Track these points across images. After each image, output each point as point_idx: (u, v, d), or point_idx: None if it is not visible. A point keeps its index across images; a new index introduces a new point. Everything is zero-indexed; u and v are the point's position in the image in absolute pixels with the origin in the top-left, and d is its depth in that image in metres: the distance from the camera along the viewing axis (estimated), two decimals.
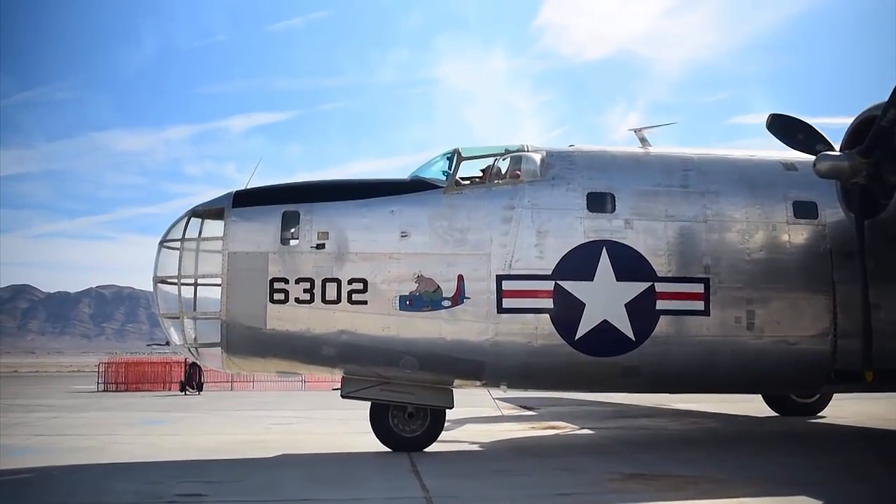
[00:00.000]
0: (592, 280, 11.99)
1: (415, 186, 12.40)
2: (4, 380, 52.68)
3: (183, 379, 33.30)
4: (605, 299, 11.98)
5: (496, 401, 17.48)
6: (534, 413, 20.72)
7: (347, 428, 15.77)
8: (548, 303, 11.90)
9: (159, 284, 12.41)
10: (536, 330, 11.88)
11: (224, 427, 17.42)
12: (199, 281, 12.21)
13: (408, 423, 12.35)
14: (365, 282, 11.78)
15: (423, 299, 11.74)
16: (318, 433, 15.67)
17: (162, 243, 12.44)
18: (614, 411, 21.07)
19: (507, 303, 11.83)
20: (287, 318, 11.79)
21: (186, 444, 13.89)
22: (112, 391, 35.68)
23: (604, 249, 12.08)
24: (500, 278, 11.84)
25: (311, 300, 11.76)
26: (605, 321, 11.95)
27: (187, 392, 32.57)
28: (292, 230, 12.03)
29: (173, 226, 12.48)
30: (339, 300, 11.75)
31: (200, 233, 12.37)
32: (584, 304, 11.90)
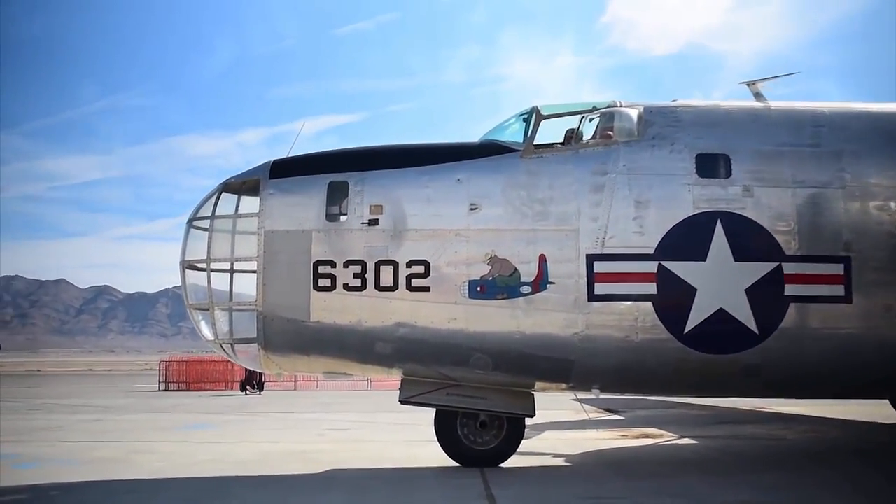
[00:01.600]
0: (705, 260, 9.76)
1: (485, 150, 10.34)
2: (70, 378, 52.50)
3: (243, 378, 31.80)
4: (720, 284, 9.74)
5: (575, 402, 15.35)
6: (620, 417, 18.49)
7: (410, 435, 13.82)
8: (650, 288, 9.72)
9: (188, 270, 10.60)
10: (636, 321, 9.72)
11: (274, 433, 15.65)
12: (232, 266, 10.39)
13: (480, 434, 10.35)
14: (426, 264, 9.78)
15: (498, 285, 9.68)
16: (375, 441, 13.72)
17: (190, 222, 10.64)
18: (711, 416, 18.71)
19: (599, 288, 9.69)
20: (334, 309, 9.87)
21: (224, 454, 12.10)
22: (173, 390, 34.66)
23: (718, 223, 9.83)
24: (590, 259, 9.71)
25: (363, 287, 9.81)
26: (721, 310, 9.71)
27: (247, 392, 31.10)
28: (340, 204, 10.11)
29: (203, 202, 10.66)
30: (395, 286, 9.78)
31: (237, 210, 10.55)
32: (696, 290, 9.69)
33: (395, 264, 9.81)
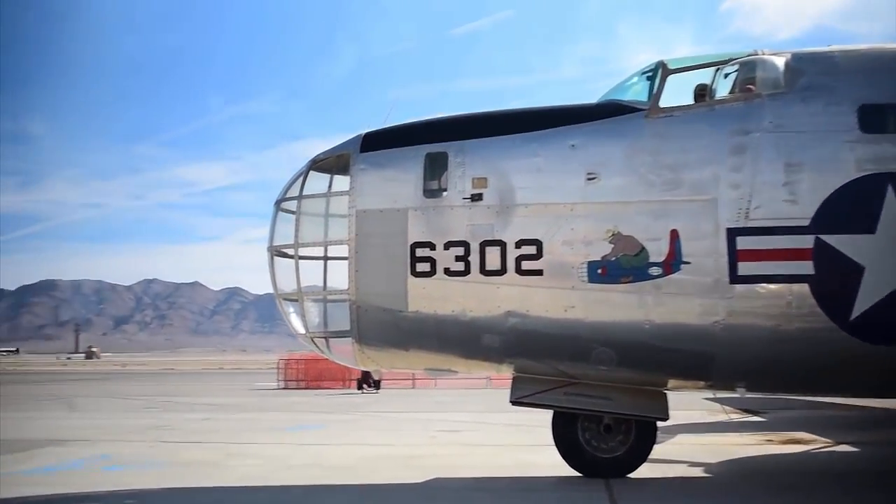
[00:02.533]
0: (874, 233, 8.09)
1: (604, 112, 8.94)
2: (199, 376, 53.55)
3: (360, 376, 31.15)
4: (894, 260, 8.07)
5: (709, 400, 13.73)
6: (762, 419, 16.67)
7: (526, 438, 12.55)
8: (806, 267, 8.11)
9: (276, 257, 9.65)
10: (790, 307, 8.13)
11: (381, 434, 14.66)
12: (326, 251, 9.41)
13: (604, 440, 9.01)
14: (539, 244, 8.48)
15: (622, 266, 8.30)
16: (487, 445, 12.48)
17: (277, 205, 9.68)
18: (864, 416, 16.71)
19: (743, 268, 8.16)
20: (435, 297, 8.71)
21: (322, 458, 11.18)
22: (292, 388, 34.46)
23: (889, 188, 8.14)
24: (732, 233, 8.19)
25: (467, 271, 8.60)
26: (895, 293, 8.04)
27: (364, 390, 30.45)
28: (439, 178, 8.95)
29: (291, 182, 9.69)
30: (503, 270, 8.52)
31: (329, 188, 9.55)
32: (863, 269, 8.04)
33: (502, 245, 8.55)
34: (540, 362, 8.81)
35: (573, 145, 8.63)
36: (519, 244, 8.52)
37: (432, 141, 9.03)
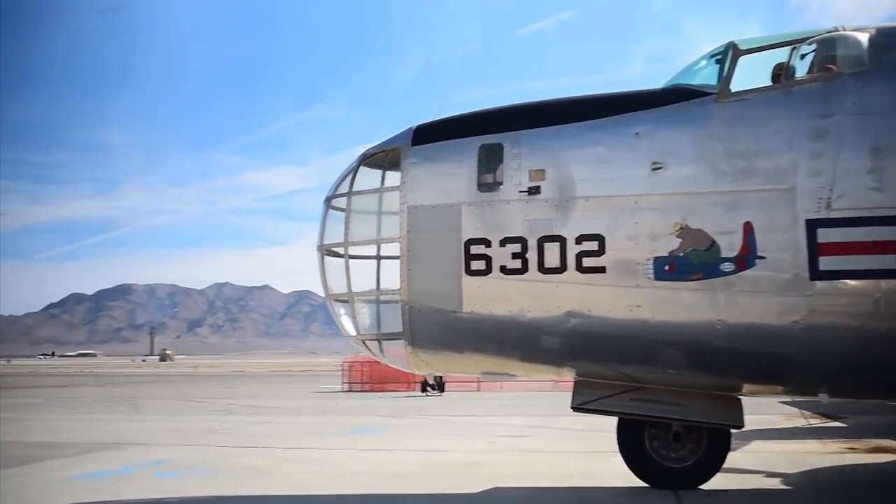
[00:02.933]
0: None
1: (670, 97, 8.34)
2: (268, 378, 53.95)
3: (424, 379, 30.80)
4: None
5: (786, 404, 12.96)
6: (843, 424, 15.75)
7: (592, 444, 11.95)
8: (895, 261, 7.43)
9: (326, 256, 9.28)
10: (878, 305, 7.42)
11: (441, 439, 14.21)
12: (379, 249, 9.01)
13: (673, 449, 8.42)
14: (601, 239, 7.93)
15: (691, 262, 7.70)
16: (550, 452, 11.95)
17: (327, 202, 9.30)
18: None
19: (825, 263, 7.48)
20: (490, 297, 8.23)
21: (377, 464, 10.79)
22: (356, 391, 34.29)
23: None
24: (812, 225, 7.52)
25: (524, 269, 8.10)
26: None
27: (428, 393, 30.11)
28: (494, 171, 8.47)
29: (341, 178, 9.32)
30: (563, 268, 7.99)
31: (381, 183, 9.13)
32: None
33: (561, 241, 8.03)
34: (603, 366, 8.25)
35: (637, 133, 8.07)
36: (580, 240, 7.99)
37: (487, 132, 8.56)
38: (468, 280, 8.27)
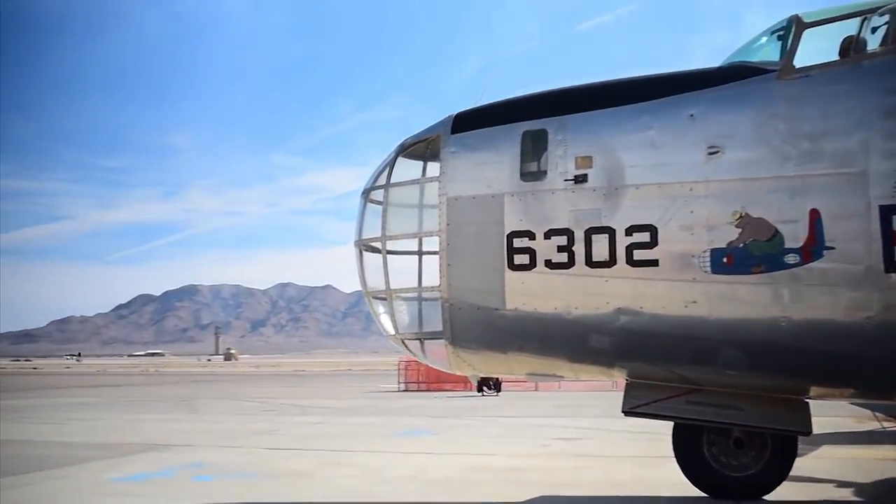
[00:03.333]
0: None
1: (727, 75, 7.70)
2: (327, 378, 54.04)
3: (480, 378, 30.31)
4: None
5: (854, 405, 12.18)
6: None
7: (647, 448, 11.36)
8: None
9: (364, 252, 8.87)
10: None
11: (493, 442, 13.71)
12: (421, 244, 8.58)
13: (735, 456, 7.82)
14: (653, 230, 7.34)
15: (752, 254, 7.07)
16: (603, 457, 11.36)
17: (365, 195, 8.89)
18: None
19: None
20: (535, 293, 7.70)
21: (422, 469, 10.38)
22: (412, 391, 33.98)
23: None
24: (886, 211, 6.83)
25: (570, 263, 7.56)
26: None
27: (484, 393, 29.61)
28: (538, 159, 7.95)
29: (379, 170, 8.89)
30: (612, 261, 7.43)
31: (423, 173, 8.69)
32: None
33: (610, 232, 7.47)
34: (657, 366, 7.66)
35: (692, 115, 7.46)
36: (630, 231, 7.41)
37: (530, 118, 8.03)
38: (511, 275, 7.77)
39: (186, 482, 9.70)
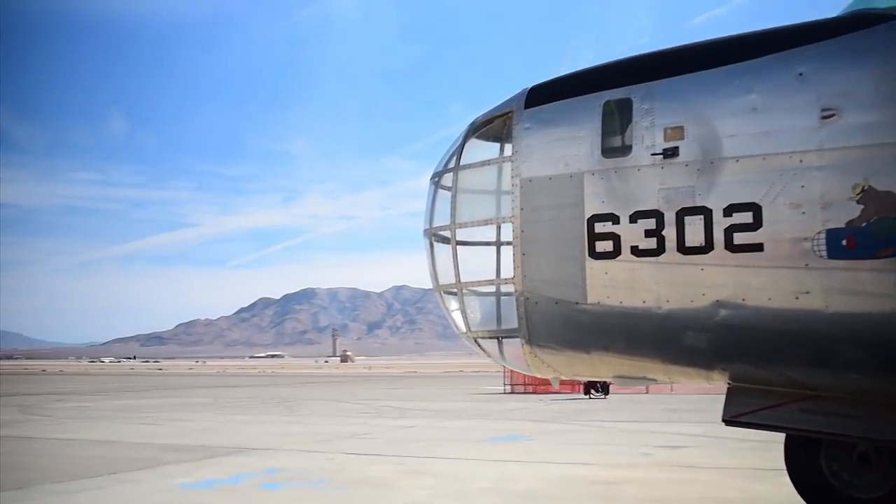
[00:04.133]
0: None
1: (843, 26, 6.55)
2: (432, 380, 53.66)
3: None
4: None
5: None
6: None
7: (759, 459, 10.22)
8: None
9: (435, 243, 8.09)
10: None
11: (590, 450, 12.71)
12: (482, 232, 7.74)
13: (859, 474, 6.71)
14: (756, 210, 6.26)
15: (878, 234, 5.91)
16: (710, 468, 10.27)
17: (434, 179, 8.13)
18: None
19: None
20: (619, 284, 6.74)
21: (507, 479, 9.60)
22: (518, 392, 33.11)
23: None
24: None
25: (660, 249, 6.57)
26: None
27: (591, 395, 28.44)
28: (622, 131, 6.98)
29: (449, 153, 8.11)
30: (709, 246, 6.39)
31: (501, 153, 7.84)
32: None
33: (706, 213, 6.43)
34: (764, 368, 6.57)
35: (801, 73, 6.34)
36: (729, 211, 6.35)
37: (613, 86, 7.06)
38: (592, 264, 6.83)
39: (252, 490, 9.21)
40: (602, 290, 6.80)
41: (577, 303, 6.92)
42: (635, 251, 6.66)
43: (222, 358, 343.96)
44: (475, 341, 7.92)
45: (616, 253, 6.73)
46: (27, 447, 13.87)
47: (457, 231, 7.69)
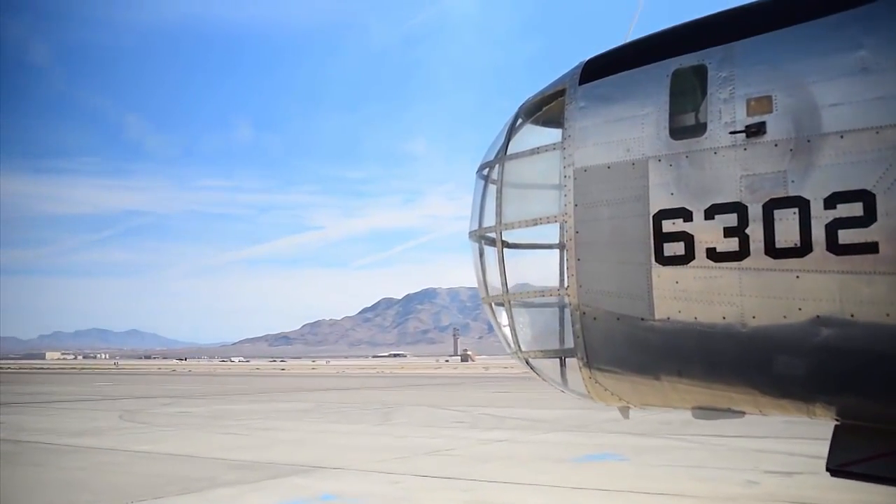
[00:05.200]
0: None
1: None
2: (537, 382, 52.14)
3: None
4: None
5: None
6: None
7: (888, 494, 8.51)
8: None
9: (485, 245, 6.95)
10: None
11: (687, 475, 11.18)
12: (532, 234, 6.55)
13: None
14: (868, 199, 4.85)
15: None
16: (824, 502, 8.66)
17: (481, 172, 6.99)
18: None
19: None
20: (693, 296, 5.45)
21: None
22: None
23: None
24: None
25: (743, 252, 5.25)
26: None
27: None
28: (695, 107, 5.68)
29: (498, 139, 6.94)
30: (807, 248, 5.02)
31: (563, 140, 6.59)
32: None
33: (802, 205, 5.05)
34: (880, 403, 5.12)
35: None
36: (832, 202, 4.97)
37: (683, 51, 5.75)
38: (661, 272, 5.56)
39: None
40: (672, 303, 5.52)
41: (642, 318, 5.65)
42: (712, 255, 5.35)
43: (346, 357, 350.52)
44: (526, 362, 6.71)
45: (689, 257, 5.44)
46: (95, 461, 13.39)
47: (503, 233, 6.52)
